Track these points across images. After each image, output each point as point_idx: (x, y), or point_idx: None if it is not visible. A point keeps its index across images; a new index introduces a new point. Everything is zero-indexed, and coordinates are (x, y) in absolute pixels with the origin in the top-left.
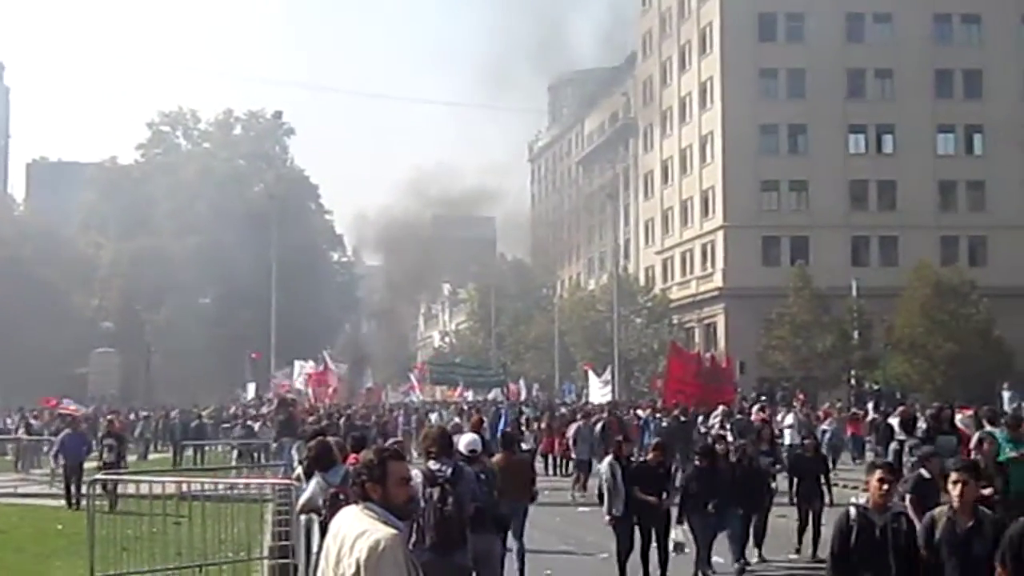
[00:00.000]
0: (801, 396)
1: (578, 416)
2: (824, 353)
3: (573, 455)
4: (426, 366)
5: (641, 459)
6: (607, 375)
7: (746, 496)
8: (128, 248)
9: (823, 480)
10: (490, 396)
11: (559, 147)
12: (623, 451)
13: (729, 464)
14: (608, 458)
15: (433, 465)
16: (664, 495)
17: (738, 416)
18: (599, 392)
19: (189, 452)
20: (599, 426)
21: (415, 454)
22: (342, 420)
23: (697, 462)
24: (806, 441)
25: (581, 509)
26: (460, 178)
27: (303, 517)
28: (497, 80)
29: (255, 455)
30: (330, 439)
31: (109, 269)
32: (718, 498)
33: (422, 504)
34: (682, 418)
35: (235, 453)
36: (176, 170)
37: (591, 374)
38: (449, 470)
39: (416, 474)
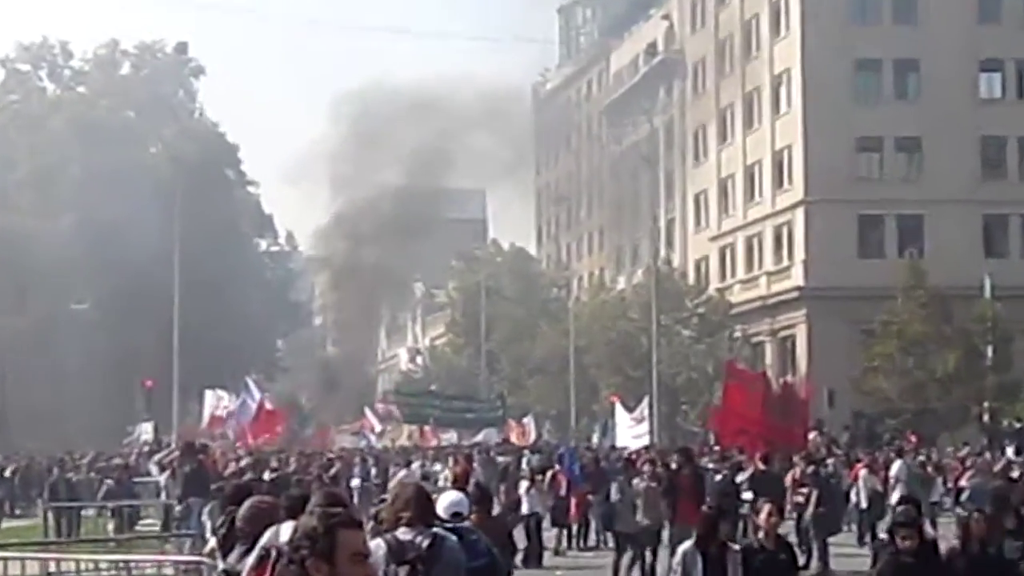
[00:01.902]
0: (913, 438)
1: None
2: (945, 378)
3: (615, 526)
4: (391, 397)
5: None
6: (643, 409)
7: None
8: None
9: None
10: (479, 438)
11: (575, 91)
12: (714, 534)
13: (955, 549)
14: (686, 545)
15: (404, 534)
16: None
17: (809, 468)
18: (630, 432)
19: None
20: (656, 483)
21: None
22: (274, 471)
23: (900, 542)
24: None
25: None
26: (434, 132)
27: None
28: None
29: (138, 520)
30: (265, 498)
31: None
32: None
33: None
34: (761, 466)
35: (112, 522)
36: (40, 124)
37: (619, 408)
38: (426, 542)
39: (378, 546)
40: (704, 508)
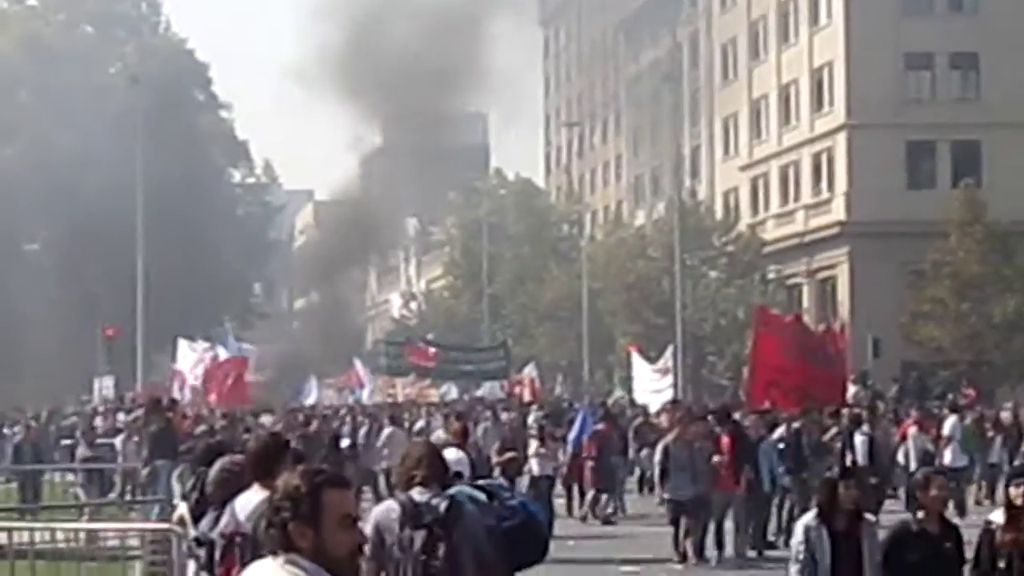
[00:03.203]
0: (970, 392)
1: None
2: (1005, 325)
3: (665, 494)
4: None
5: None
6: (666, 360)
7: None
8: None
9: None
10: (482, 392)
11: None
12: (836, 502)
13: None
14: (808, 519)
15: (419, 495)
16: None
17: (833, 429)
18: (652, 387)
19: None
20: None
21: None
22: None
23: None
24: None
25: (624, 569)
26: (424, 45)
27: None
28: None
29: (113, 484)
30: (237, 459)
31: None
32: None
33: (396, 553)
34: (796, 427)
35: (80, 486)
36: None
37: (638, 359)
38: (443, 504)
39: (390, 508)
40: (829, 475)
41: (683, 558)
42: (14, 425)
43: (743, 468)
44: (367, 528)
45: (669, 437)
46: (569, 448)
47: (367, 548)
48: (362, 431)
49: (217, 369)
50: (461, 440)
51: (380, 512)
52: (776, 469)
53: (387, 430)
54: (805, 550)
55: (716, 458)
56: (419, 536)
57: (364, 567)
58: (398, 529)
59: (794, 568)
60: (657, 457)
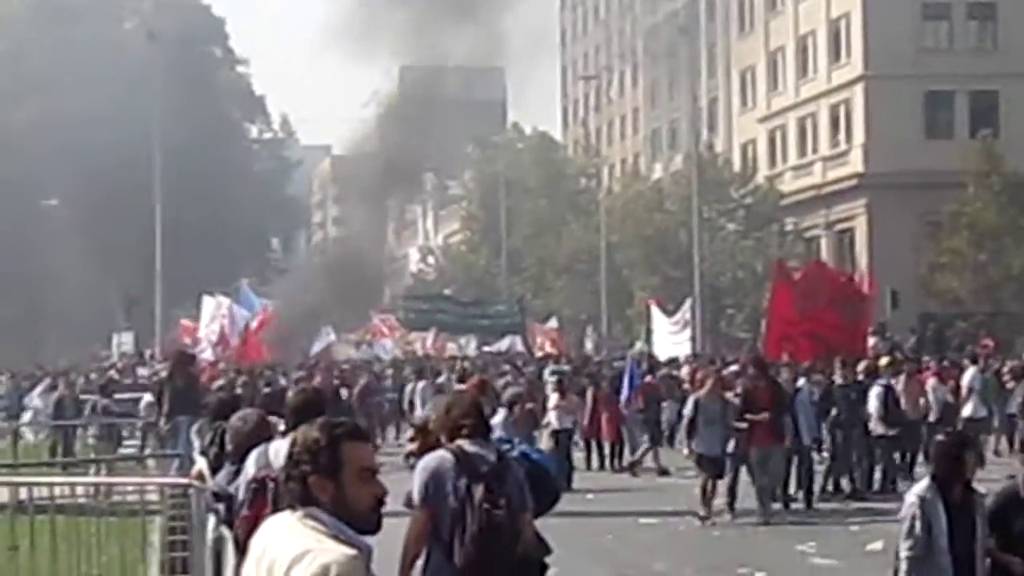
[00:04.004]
0: (988, 342)
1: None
2: (1023, 275)
3: (693, 447)
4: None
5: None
6: (684, 314)
7: None
8: None
9: None
10: (501, 346)
11: None
12: (960, 470)
13: None
14: (922, 487)
15: (470, 447)
16: None
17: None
18: (670, 340)
19: (29, 437)
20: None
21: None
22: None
23: None
24: None
25: (643, 521)
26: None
27: (211, 533)
28: None
29: (122, 440)
30: (261, 412)
31: None
32: None
33: (451, 501)
34: (838, 382)
35: (93, 437)
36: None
37: (656, 312)
38: (492, 456)
39: (444, 457)
40: (942, 437)
41: (707, 515)
42: (40, 383)
43: (780, 422)
44: (419, 476)
45: (701, 391)
46: (622, 401)
47: (418, 495)
48: (408, 386)
49: (233, 327)
50: (480, 393)
51: (435, 460)
52: (812, 421)
53: (419, 384)
54: (921, 522)
55: (757, 416)
56: (479, 488)
57: (417, 514)
58: (453, 478)
59: (906, 544)
60: (687, 410)
